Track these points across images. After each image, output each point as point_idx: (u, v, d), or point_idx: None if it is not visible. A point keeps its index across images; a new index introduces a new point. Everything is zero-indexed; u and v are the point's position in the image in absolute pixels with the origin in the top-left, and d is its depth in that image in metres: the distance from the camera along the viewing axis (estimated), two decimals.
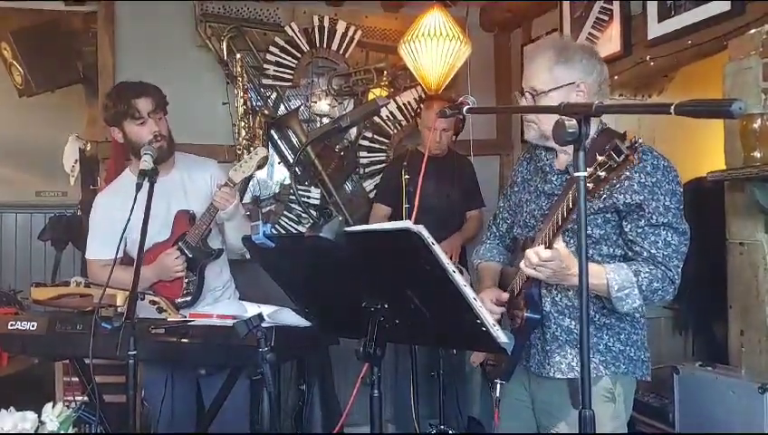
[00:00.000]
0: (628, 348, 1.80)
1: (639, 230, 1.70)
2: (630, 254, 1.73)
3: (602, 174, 1.37)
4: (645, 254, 1.70)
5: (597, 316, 1.78)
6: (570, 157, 1.79)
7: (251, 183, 4.01)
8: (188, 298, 2.45)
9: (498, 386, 1.88)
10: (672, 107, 1.13)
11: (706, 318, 3.16)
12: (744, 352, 2.44)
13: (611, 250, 1.77)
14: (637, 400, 3.04)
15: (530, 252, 1.62)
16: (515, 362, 1.84)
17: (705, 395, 2.41)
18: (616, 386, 1.79)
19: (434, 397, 3.08)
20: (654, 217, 1.69)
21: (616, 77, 3.10)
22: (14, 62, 4.18)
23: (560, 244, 1.61)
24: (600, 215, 1.74)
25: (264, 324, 1.79)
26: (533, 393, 1.89)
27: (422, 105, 3.53)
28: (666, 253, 1.69)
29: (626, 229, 1.72)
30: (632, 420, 3.04)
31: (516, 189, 2.01)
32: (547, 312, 1.81)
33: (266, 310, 1.89)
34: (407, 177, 3.08)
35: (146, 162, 2.12)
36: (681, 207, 1.73)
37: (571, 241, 1.67)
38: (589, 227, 1.71)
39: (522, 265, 1.66)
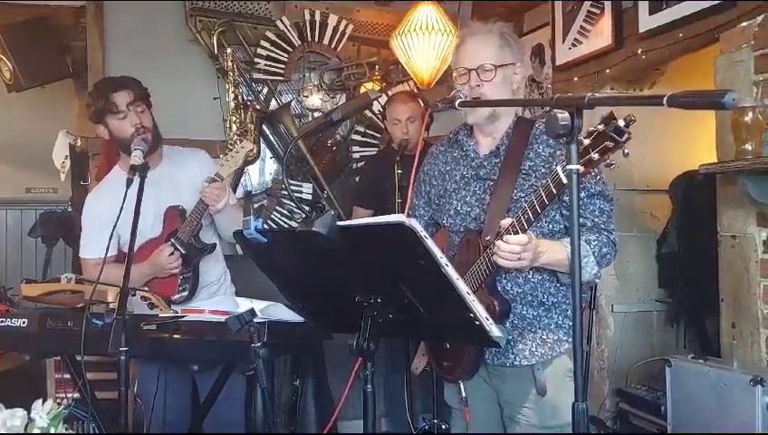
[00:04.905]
0: (570, 322, 1.84)
1: (581, 202, 1.74)
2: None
3: (596, 156, 1.36)
4: (589, 223, 1.79)
5: (546, 297, 1.84)
6: (495, 139, 1.89)
7: (242, 178, 4.00)
8: (185, 294, 2.44)
9: (462, 385, 1.89)
10: (665, 99, 1.13)
11: (698, 311, 3.17)
12: (736, 345, 2.45)
13: (551, 226, 1.83)
14: (629, 392, 3.09)
15: (508, 245, 1.62)
16: (480, 358, 1.84)
17: (697, 388, 2.42)
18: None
19: (427, 392, 3.08)
20: (591, 187, 1.79)
21: (608, 70, 3.11)
22: (3, 57, 4.14)
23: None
24: None
25: (256, 320, 1.78)
26: (497, 387, 1.89)
27: (386, 107, 3.53)
28: (603, 219, 1.80)
29: (569, 203, 1.75)
30: (625, 412, 3.08)
31: (435, 183, 2.01)
32: None
33: (259, 305, 1.88)
34: (399, 171, 3.07)
35: (136, 157, 2.11)
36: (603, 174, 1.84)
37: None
38: None
39: (500, 260, 1.65)
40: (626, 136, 1.32)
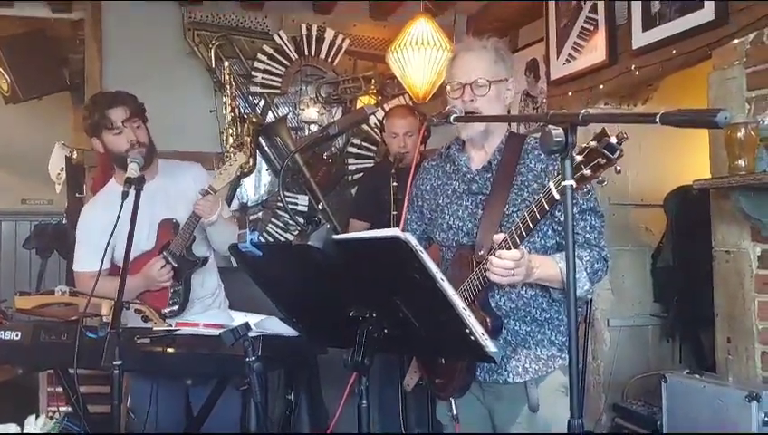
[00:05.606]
0: (565, 338, 1.84)
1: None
2: (564, 242, 1.74)
3: (587, 172, 1.36)
4: (580, 239, 1.78)
5: (539, 313, 1.83)
6: (487, 154, 1.89)
7: (238, 190, 4.00)
8: (175, 307, 2.43)
9: (453, 403, 1.87)
10: (657, 117, 1.14)
11: (693, 326, 3.17)
12: (731, 360, 2.45)
13: (543, 241, 1.83)
14: (625, 407, 3.08)
15: (501, 261, 1.61)
16: (472, 375, 1.83)
17: (692, 403, 2.42)
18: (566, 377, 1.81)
19: (422, 406, 3.06)
20: (583, 203, 1.79)
21: (602, 86, 3.13)
22: (1, 70, 4.15)
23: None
24: None
25: (250, 334, 1.78)
26: (490, 404, 1.88)
27: (384, 120, 3.56)
28: (595, 235, 1.81)
29: (561, 219, 1.76)
30: (621, 427, 3.06)
31: (428, 197, 2.01)
32: None
33: (253, 319, 1.88)
34: (395, 184, 3.08)
35: (132, 170, 2.11)
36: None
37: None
38: None
39: (493, 276, 1.65)
40: (618, 153, 1.32)
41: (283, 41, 4.06)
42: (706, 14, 2.53)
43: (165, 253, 2.39)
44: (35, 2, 3.93)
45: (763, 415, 2.15)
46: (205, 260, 2.49)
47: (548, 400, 1.79)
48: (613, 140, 1.32)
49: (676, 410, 2.50)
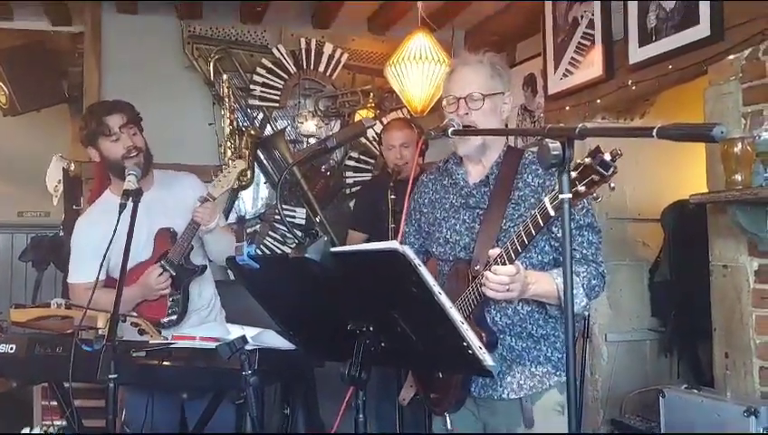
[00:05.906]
0: (561, 355, 1.83)
1: None
2: (561, 258, 1.74)
3: (582, 188, 1.35)
4: (577, 255, 1.78)
5: (535, 329, 1.82)
6: (485, 168, 1.89)
7: (236, 203, 4.00)
8: (174, 317, 2.42)
9: (448, 418, 1.86)
10: (654, 130, 1.14)
11: (691, 340, 3.17)
12: (729, 375, 2.44)
13: (540, 257, 1.82)
14: (623, 422, 3.07)
15: (496, 276, 1.61)
16: (467, 390, 1.82)
17: (691, 418, 2.41)
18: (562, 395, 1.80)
19: (419, 421, 3.05)
20: (580, 219, 1.79)
21: (599, 100, 3.14)
22: (0, 82, 4.16)
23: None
24: None
25: (247, 347, 1.77)
26: (485, 419, 1.87)
27: (382, 133, 3.58)
28: (592, 251, 1.80)
29: (558, 235, 1.76)
30: None
31: (425, 211, 2.01)
32: None
33: (250, 332, 1.86)
34: (392, 196, 3.09)
35: (130, 182, 2.11)
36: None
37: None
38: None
39: (488, 291, 1.64)
40: (611, 170, 1.32)
41: (281, 54, 4.08)
42: (702, 30, 2.55)
43: (163, 262, 2.39)
44: (35, 7, 3.94)
45: (762, 430, 2.15)
46: (203, 268, 2.49)
47: (544, 418, 1.78)
48: (607, 156, 1.31)
49: (675, 425, 2.49)
